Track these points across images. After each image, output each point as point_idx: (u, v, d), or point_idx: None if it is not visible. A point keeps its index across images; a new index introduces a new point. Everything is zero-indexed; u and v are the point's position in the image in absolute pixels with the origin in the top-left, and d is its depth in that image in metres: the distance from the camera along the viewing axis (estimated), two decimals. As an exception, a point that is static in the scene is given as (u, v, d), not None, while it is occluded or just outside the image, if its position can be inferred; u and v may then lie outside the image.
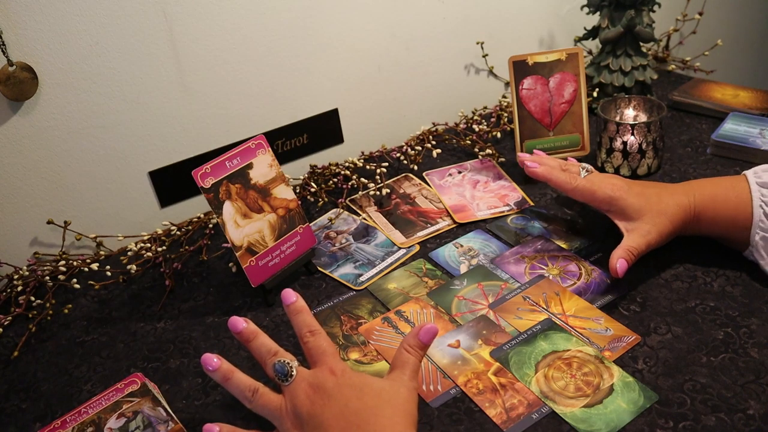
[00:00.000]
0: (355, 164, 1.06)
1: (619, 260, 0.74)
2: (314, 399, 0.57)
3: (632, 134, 0.94)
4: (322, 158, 1.10)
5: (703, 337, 0.69)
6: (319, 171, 1.05)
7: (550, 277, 0.80)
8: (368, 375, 0.59)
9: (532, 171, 0.84)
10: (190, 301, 0.84)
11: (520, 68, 0.96)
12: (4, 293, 0.86)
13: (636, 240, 0.75)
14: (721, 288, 0.75)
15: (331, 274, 0.85)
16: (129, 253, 0.91)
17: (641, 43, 1.14)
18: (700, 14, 1.30)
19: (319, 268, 0.86)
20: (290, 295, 0.65)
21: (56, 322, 0.83)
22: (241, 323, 0.63)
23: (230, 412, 0.67)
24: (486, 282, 0.80)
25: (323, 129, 1.09)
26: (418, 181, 1.04)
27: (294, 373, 0.59)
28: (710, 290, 0.75)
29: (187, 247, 0.91)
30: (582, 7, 1.16)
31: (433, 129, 1.15)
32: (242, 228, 0.77)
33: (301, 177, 1.05)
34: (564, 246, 0.85)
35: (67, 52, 0.84)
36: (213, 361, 0.61)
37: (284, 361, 0.60)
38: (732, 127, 1.02)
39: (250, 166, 0.79)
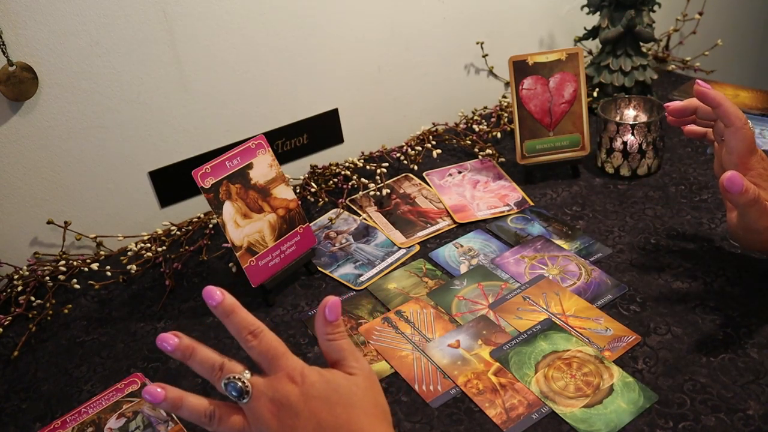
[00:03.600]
0: (355, 164, 1.06)
1: (731, 172, 0.63)
2: (281, 417, 0.51)
3: (632, 134, 0.94)
4: (322, 158, 1.10)
5: (703, 337, 0.69)
6: (319, 171, 1.05)
7: (550, 277, 0.80)
8: (327, 374, 0.53)
9: (701, 90, 0.69)
10: (190, 301, 0.84)
11: (520, 68, 0.96)
12: (4, 293, 0.86)
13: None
14: (721, 288, 0.75)
15: (331, 274, 0.85)
16: (129, 253, 0.91)
17: (641, 43, 1.14)
18: (700, 14, 1.29)
19: (319, 268, 0.86)
20: (214, 294, 0.53)
21: (56, 322, 0.83)
22: (172, 340, 0.52)
23: (230, 412, 0.67)
24: (486, 282, 0.80)
25: (323, 129, 1.09)
26: (418, 181, 1.04)
27: (249, 389, 0.51)
28: (710, 290, 0.75)
29: (187, 247, 0.91)
30: (582, 7, 1.16)
31: (433, 129, 1.15)
32: (242, 228, 0.77)
33: (301, 177, 1.05)
34: (564, 246, 0.85)
35: (67, 52, 0.84)
36: (156, 391, 0.52)
37: (234, 378, 0.51)
38: (732, 127, 1.02)
39: (250, 166, 0.79)
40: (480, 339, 0.72)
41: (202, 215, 1.00)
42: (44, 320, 0.83)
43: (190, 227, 0.97)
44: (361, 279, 0.84)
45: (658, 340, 0.69)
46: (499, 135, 1.13)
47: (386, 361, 0.71)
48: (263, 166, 0.80)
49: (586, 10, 1.15)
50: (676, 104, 0.75)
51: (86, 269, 0.88)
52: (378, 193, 0.99)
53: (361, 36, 1.06)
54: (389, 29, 1.09)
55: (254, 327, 0.53)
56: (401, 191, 1.01)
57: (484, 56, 1.21)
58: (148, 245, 0.92)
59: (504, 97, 1.22)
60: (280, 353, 0.53)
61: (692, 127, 0.77)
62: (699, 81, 0.71)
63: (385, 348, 0.72)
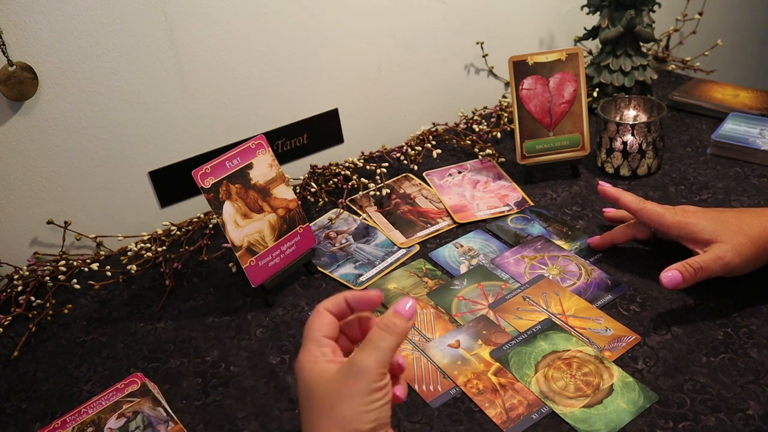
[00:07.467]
0: (355, 164, 1.06)
1: (671, 271, 0.70)
2: None
3: (632, 134, 0.94)
4: (322, 158, 1.10)
5: (703, 337, 0.69)
6: (319, 171, 1.05)
7: (550, 277, 0.80)
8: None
9: (602, 189, 0.82)
10: (190, 301, 0.84)
11: (520, 68, 0.96)
12: (4, 293, 0.86)
13: (703, 257, 0.70)
14: (721, 288, 0.75)
15: (331, 274, 0.85)
16: (129, 253, 0.91)
17: (641, 43, 1.14)
18: (700, 14, 1.30)
19: (319, 268, 0.86)
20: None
21: (56, 322, 0.83)
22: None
23: (230, 411, 0.67)
24: (486, 282, 0.80)
25: (323, 129, 1.09)
26: (418, 181, 1.04)
27: None
28: (710, 290, 0.75)
29: (187, 247, 0.91)
30: (582, 7, 1.16)
31: (433, 129, 1.15)
32: (242, 228, 0.77)
33: (301, 177, 1.05)
34: (564, 246, 0.85)
35: (67, 52, 0.84)
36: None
37: None
38: (732, 127, 1.02)
39: (250, 166, 0.79)
40: (480, 339, 0.72)
41: (202, 215, 1.00)
42: (44, 320, 0.83)
43: (190, 227, 0.97)
44: (361, 279, 0.84)
45: (658, 340, 0.69)
46: (499, 135, 1.13)
47: (386, 361, 0.71)
48: (263, 166, 0.80)
49: (586, 10, 1.15)
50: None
51: (86, 269, 0.88)
52: (378, 193, 0.99)
53: (361, 36, 1.06)
54: (389, 29, 1.09)
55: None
56: (401, 191, 1.01)
57: (484, 56, 1.21)
58: (148, 245, 0.92)
59: (504, 97, 1.22)
60: None
61: (611, 213, 0.87)
62: (601, 182, 0.83)
63: (385, 348, 0.72)
